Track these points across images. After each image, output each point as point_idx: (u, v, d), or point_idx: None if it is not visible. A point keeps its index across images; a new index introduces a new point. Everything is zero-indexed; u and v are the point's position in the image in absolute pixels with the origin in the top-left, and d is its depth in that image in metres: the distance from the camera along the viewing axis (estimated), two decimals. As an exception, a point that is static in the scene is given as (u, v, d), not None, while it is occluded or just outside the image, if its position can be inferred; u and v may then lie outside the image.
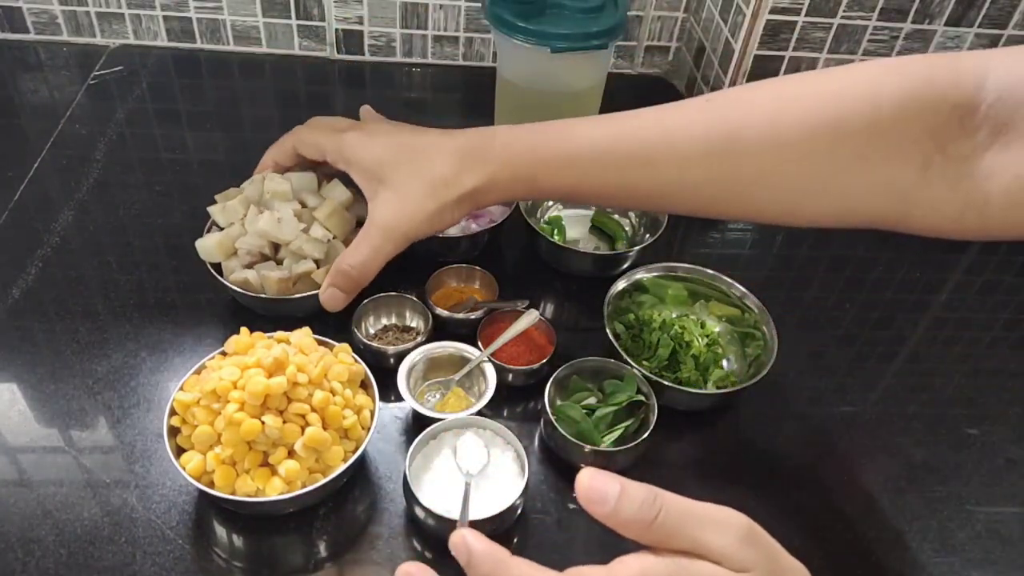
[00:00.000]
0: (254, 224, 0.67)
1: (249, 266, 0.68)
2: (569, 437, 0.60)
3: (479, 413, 0.63)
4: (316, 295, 0.67)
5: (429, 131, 0.63)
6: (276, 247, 0.69)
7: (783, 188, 0.51)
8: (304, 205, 0.70)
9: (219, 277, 0.68)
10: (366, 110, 0.73)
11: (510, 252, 0.82)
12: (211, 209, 0.70)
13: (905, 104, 0.47)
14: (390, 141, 0.63)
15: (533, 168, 0.59)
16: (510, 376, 0.67)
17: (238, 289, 0.66)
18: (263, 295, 0.67)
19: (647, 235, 0.80)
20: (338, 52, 1.08)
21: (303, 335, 0.61)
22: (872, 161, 0.48)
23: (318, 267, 0.68)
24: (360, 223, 0.73)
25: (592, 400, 0.66)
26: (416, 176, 0.60)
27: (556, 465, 0.63)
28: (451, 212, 0.62)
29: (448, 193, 0.61)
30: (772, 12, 0.86)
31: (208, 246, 0.68)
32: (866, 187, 0.49)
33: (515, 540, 0.58)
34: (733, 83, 0.93)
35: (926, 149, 0.47)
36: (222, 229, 0.69)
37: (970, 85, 0.46)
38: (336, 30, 1.05)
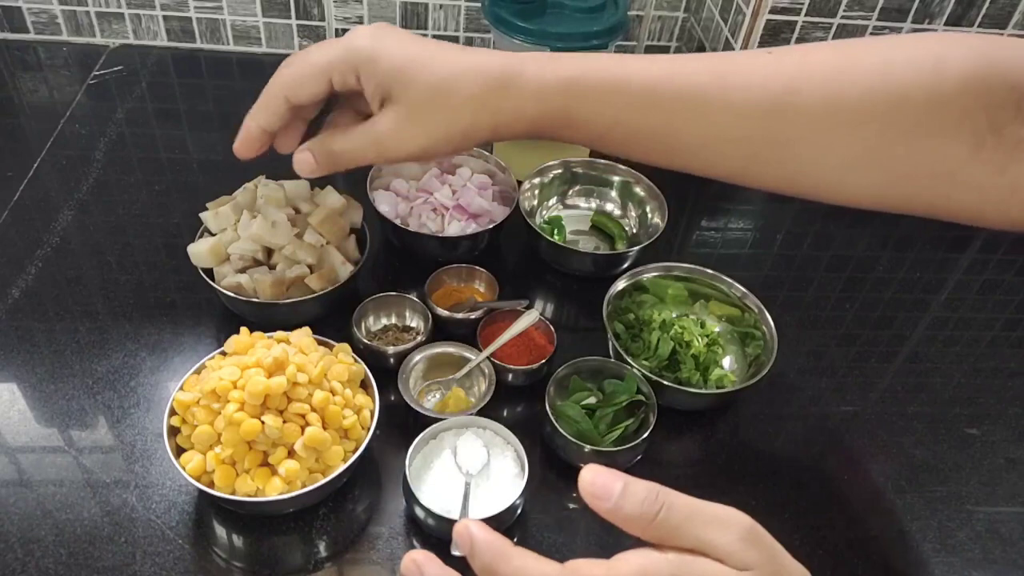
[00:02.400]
0: (247, 229, 0.67)
1: (242, 271, 0.68)
2: (569, 437, 0.60)
3: (479, 413, 0.63)
4: (309, 300, 0.67)
5: (450, 47, 0.54)
6: (269, 253, 0.69)
7: (832, 153, 0.49)
8: (297, 211, 0.70)
9: (211, 283, 0.68)
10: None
11: (510, 252, 0.82)
12: (203, 215, 0.70)
13: (967, 79, 0.46)
14: (407, 50, 0.53)
15: (567, 101, 0.51)
16: (510, 376, 0.67)
17: (230, 294, 0.66)
18: (255, 299, 0.66)
19: (647, 235, 0.80)
20: (338, 52, 1.07)
21: (303, 335, 0.61)
22: (927, 134, 0.47)
23: (311, 272, 0.68)
24: (353, 229, 0.73)
25: (592, 400, 0.66)
26: (430, 100, 0.52)
27: (556, 465, 0.63)
28: (459, 142, 0.55)
29: (461, 124, 0.53)
30: (772, 12, 0.86)
31: (200, 252, 0.67)
32: (916, 161, 0.48)
33: (515, 540, 0.58)
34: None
35: (980, 128, 0.46)
36: (214, 235, 0.69)
37: None
38: (336, 30, 1.05)
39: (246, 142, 0.59)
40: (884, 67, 0.47)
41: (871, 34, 0.89)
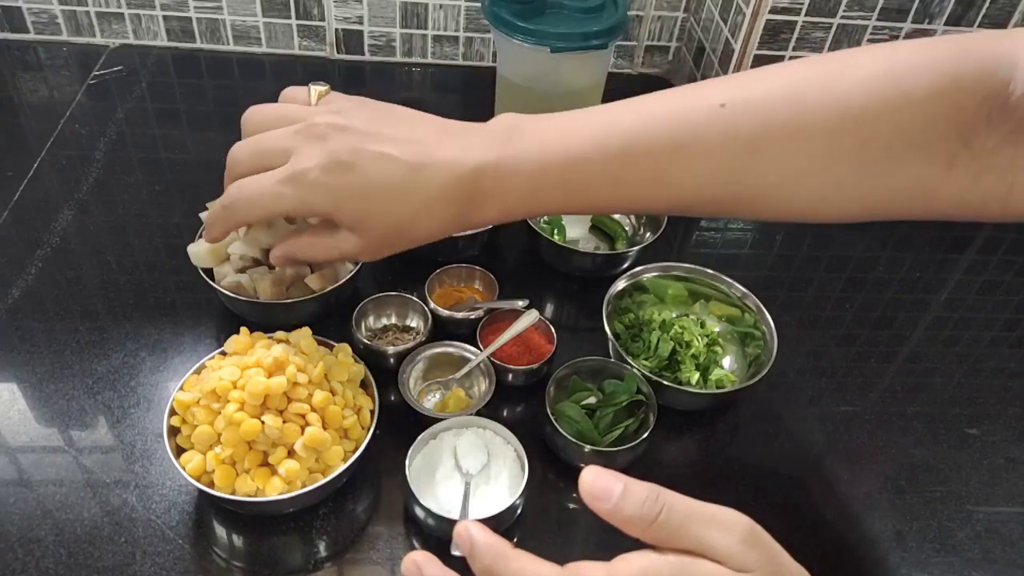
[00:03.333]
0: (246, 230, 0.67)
1: (242, 271, 0.68)
2: (569, 437, 0.60)
3: (479, 413, 0.63)
4: (309, 300, 0.67)
5: (408, 176, 0.51)
6: (269, 253, 0.69)
7: (806, 191, 0.49)
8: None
9: (211, 283, 0.68)
10: (329, 96, 0.58)
11: (510, 252, 0.82)
12: (203, 215, 0.70)
13: (934, 103, 0.45)
14: (362, 202, 0.52)
15: (530, 204, 0.53)
16: (510, 376, 0.67)
17: (230, 294, 0.66)
18: (255, 299, 0.66)
19: (647, 235, 0.80)
20: (338, 52, 1.08)
21: (303, 335, 0.61)
22: (898, 160, 0.47)
23: (311, 272, 0.68)
24: None
25: (592, 400, 0.66)
26: (392, 236, 0.54)
27: (556, 465, 0.63)
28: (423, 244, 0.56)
29: (424, 241, 0.55)
30: (772, 12, 0.86)
31: (200, 252, 0.67)
32: (889, 186, 0.48)
33: (515, 540, 0.58)
34: (733, 83, 0.93)
35: (952, 147, 0.46)
36: None
37: (1000, 76, 0.45)
38: (336, 30, 1.05)
39: (214, 241, 0.61)
40: (845, 106, 0.47)
41: (871, 35, 0.89)
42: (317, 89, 0.58)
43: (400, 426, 0.65)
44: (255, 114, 0.57)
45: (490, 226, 0.56)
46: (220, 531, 0.57)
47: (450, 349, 0.68)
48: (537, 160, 0.51)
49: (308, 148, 0.52)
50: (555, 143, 0.51)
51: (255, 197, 0.53)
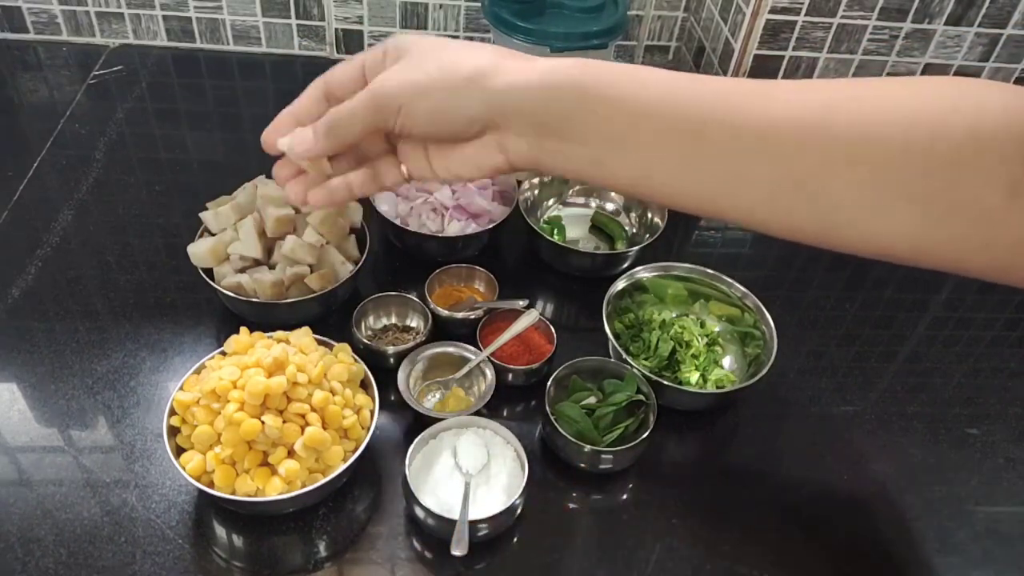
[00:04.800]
0: (246, 229, 0.67)
1: (242, 271, 0.68)
2: (569, 437, 0.60)
3: (479, 413, 0.63)
4: (309, 300, 0.67)
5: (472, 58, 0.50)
6: (269, 252, 0.69)
7: (865, 193, 0.46)
8: (297, 210, 0.70)
9: (211, 283, 0.68)
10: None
11: (510, 252, 0.82)
12: (203, 215, 0.70)
13: (1008, 124, 0.43)
14: (432, 42, 0.52)
15: (581, 69, 0.48)
16: (510, 376, 0.67)
17: (230, 294, 0.66)
18: (255, 299, 0.66)
19: (647, 235, 0.80)
20: (338, 52, 1.08)
21: (303, 335, 0.61)
22: (963, 171, 0.44)
23: (311, 272, 0.68)
24: (353, 229, 0.73)
25: (592, 400, 0.66)
26: (433, 51, 0.51)
27: (556, 465, 0.63)
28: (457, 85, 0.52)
29: (461, 73, 0.50)
30: (772, 12, 0.86)
31: (200, 252, 0.67)
32: (951, 199, 0.45)
33: (515, 540, 0.58)
34: (733, 83, 0.93)
35: (1017, 176, 0.43)
36: (214, 235, 0.69)
37: None
38: (336, 30, 1.05)
39: (277, 128, 0.58)
40: (920, 103, 0.45)
41: (871, 34, 0.89)
42: None
43: (400, 426, 0.65)
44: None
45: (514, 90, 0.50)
46: (220, 531, 0.57)
47: (450, 349, 0.68)
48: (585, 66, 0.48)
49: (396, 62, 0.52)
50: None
51: (348, 106, 0.52)
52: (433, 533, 0.57)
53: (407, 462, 0.58)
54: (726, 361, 0.71)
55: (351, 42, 1.06)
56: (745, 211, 0.49)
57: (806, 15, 0.87)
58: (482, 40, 1.06)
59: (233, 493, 0.54)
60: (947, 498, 0.64)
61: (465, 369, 0.67)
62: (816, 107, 0.45)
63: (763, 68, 0.91)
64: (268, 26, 1.04)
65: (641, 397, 0.64)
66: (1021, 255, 0.45)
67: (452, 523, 0.54)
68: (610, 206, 0.86)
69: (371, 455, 0.62)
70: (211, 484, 0.54)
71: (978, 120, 0.44)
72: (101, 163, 0.87)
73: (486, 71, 0.49)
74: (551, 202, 0.86)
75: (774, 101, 0.46)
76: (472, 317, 0.70)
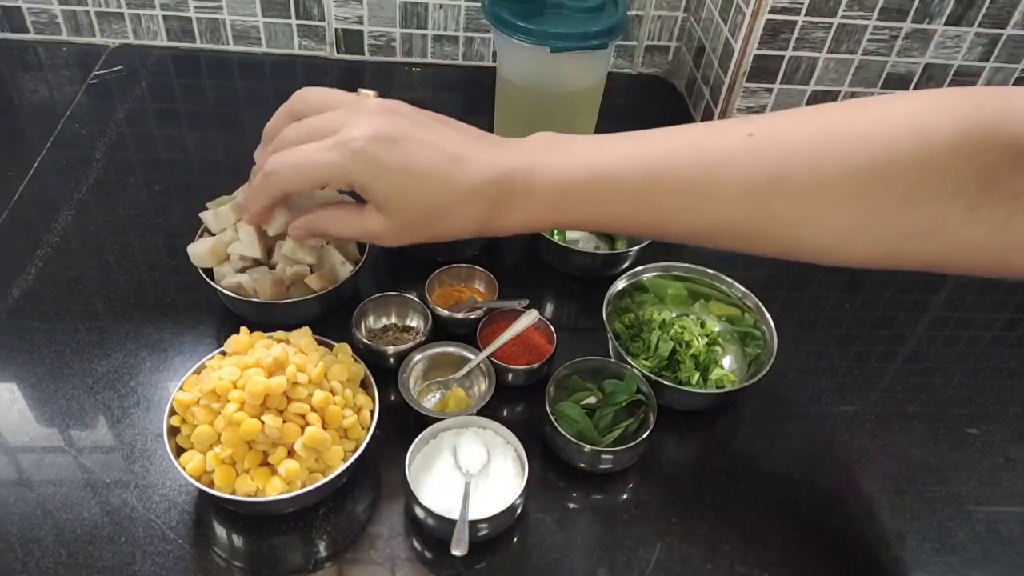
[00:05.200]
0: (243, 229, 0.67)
1: (242, 271, 0.68)
2: (569, 437, 0.60)
3: (479, 413, 0.63)
4: (309, 300, 0.67)
5: (442, 159, 0.52)
6: (269, 252, 0.69)
7: (826, 229, 0.50)
8: None
9: (211, 283, 0.68)
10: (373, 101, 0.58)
11: (510, 252, 0.82)
12: (203, 215, 0.70)
13: (955, 145, 0.45)
14: (401, 177, 0.52)
15: (555, 211, 0.54)
16: (510, 376, 0.67)
17: (230, 294, 0.66)
18: (255, 299, 0.66)
19: (647, 235, 0.80)
20: (338, 52, 1.08)
21: (303, 335, 0.61)
22: (919, 201, 0.46)
23: (311, 272, 0.68)
24: None
25: (592, 400, 0.66)
26: (422, 220, 0.54)
27: (556, 465, 0.63)
28: (445, 239, 0.57)
29: (450, 234, 0.55)
30: (772, 12, 0.86)
31: (200, 252, 0.67)
32: (910, 227, 0.47)
33: (515, 540, 0.58)
34: (733, 83, 0.93)
35: (972, 190, 0.46)
36: (214, 235, 0.69)
37: (1021, 122, 0.45)
38: (336, 30, 1.05)
39: (257, 219, 0.61)
40: (867, 143, 0.47)
41: (871, 34, 0.89)
42: (366, 93, 0.59)
43: (400, 426, 0.65)
44: (308, 93, 0.57)
45: (510, 234, 0.55)
46: (220, 531, 0.57)
47: (450, 349, 0.68)
48: (566, 169, 0.52)
49: (357, 121, 0.52)
50: (585, 155, 0.53)
51: (298, 162, 0.53)
52: (433, 533, 0.57)
53: (407, 462, 0.58)
54: (726, 361, 0.71)
55: (351, 42, 1.06)
56: (717, 247, 0.54)
57: (806, 15, 0.87)
58: (482, 40, 1.07)
59: (233, 493, 0.54)
60: (947, 498, 0.64)
61: (465, 369, 0.67)
62: (771, 162, 0.49)
63: (763, 68, 0.91)
64: (268, 26, 1.04)
65: (641, 397, 0.64)
66: (984, 251, 0.47)
67: (452, 523, 0.54)
68: (610, 206, 0.86)
69: (371, 455, 0.62)
70: (211, 484, 0.54)
71: (926, 151, 0.45)
72: (101, 163, 0.87)
73: (480, 227, 0.54)
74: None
75: (722, 168, 0.50)
76: (472, 317, 0.70)
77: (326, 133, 0.53)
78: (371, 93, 0.59)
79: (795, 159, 0.48)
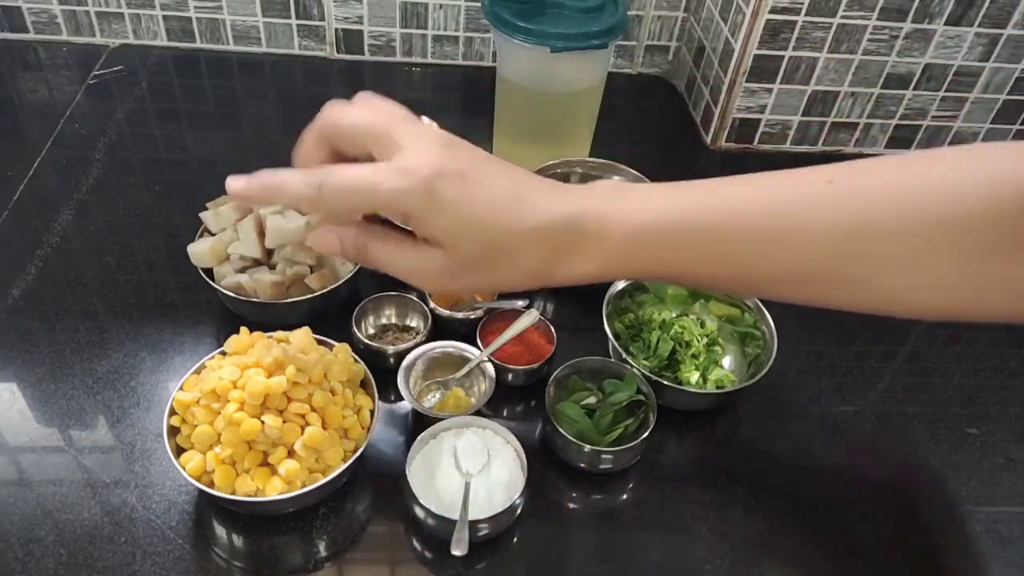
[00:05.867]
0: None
1: (242, 271, 0.68)
2: (569, 437, 0.60)
3: (479, 413, 0.63)
4: (309, 300, 0.67)
5: (510, 195, 0.48)
6: (269, 253, 0.69)
7: (906, 279, 0.48)
8: (298, 211, 0.70)
9: (211, 283, 0.68)
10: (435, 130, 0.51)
11: (510, 252, 0.82)
12: (203, 215, 0.70)
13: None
14: (461, 210, 0.47)
15: (631, 259, 0.50)
16: (510, 376, 0.67)
17: (230, 294, 0.66)
18: (255, 299, 0.66)
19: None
20: (338, 52, 1.08)
21: (303, 335, 0.61)
22: (1002, 255, 0.46)
23: (311, 272, 0.68)
24: None
25: (592, 400, 0.66)
26: (481, 260, 0.48)
27: (556, 465, 0.63)
28: (504, 290, 0.56)
29: (511, 283, 0.51)
30: (772, 12, 0.86)
31: (200, 252, 0.67)
32: (991, 280, 0.47)
33: (515, 540, 0.58)
34: (733, 83, 0.93)
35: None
36: (214, 235, 0.69)
37: None
38: (336, 30, 1.05)
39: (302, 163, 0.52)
40: (954, 190, 0.46)
41: (871, 34, 0.89)
42: (428, 122, 0.54)
43: (400, 426, 0.65)
44: (341, 116, 0.49)
45: (571, 284, 0.51)
46: (220, 531, 0.57)
47: (450, 349, 0.68)
48: (644, 213, 0.49)
49: (419, 147, 0.47)
50: (662, 200, 0.50)
51: (355, 182, 0.47)
52: (433, 533, 0.57)
53: (407, 462, 0.58)
54: (726, 361, 0.71)
55: (351, 42, 1.06)
56: (792, 300, 0.53)
57: (806, 15, 0.87)
58: (482, 40, 1.06)
59: (233, 493, 0.54)
60: (947, 498, 0.64)
61: (465, 369, 0.67)
62: (856, 211, 0.47)
63: (763, 68, 0.91)
64: (268, 26, 1.04)
65: (641, 397, 0.64)
66: None
67: (452, 523, 0.54)
68: (610, 206, 0.86)
69: (371, 455, 0.62)
70: (211, 484, 0.54)
71: (1013, 203, 0.44)
72: (101, 163, 0.87)
73: (543, 274, 0.49)
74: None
75: (806, 216, 0.48)
76: (472, 317, 0.70)
77: (381, 144, 0.47)
78: (432, 124, 0.53)
79: (881, 205, 0.47)
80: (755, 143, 1.00)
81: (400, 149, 0.46)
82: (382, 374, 0.63)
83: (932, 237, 0.46)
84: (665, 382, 0.65)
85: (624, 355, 0.67)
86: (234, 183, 0.49)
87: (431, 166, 0.46)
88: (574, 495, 0.62)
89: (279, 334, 0.61)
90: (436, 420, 0.61)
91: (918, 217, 0.46)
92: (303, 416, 0.55)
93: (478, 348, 0.67)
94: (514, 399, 0.68)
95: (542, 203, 0.49)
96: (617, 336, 0.70)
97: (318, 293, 0.67)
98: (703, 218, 0.49)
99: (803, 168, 0.50)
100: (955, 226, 0.46)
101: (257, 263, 0.69)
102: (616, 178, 0.85)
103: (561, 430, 0.61)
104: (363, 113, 0.49)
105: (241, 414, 0.53)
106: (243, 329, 0.60)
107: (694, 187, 0.51)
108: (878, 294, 0.50)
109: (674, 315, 0.73)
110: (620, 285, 0.73)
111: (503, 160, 0.51)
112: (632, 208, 0.49)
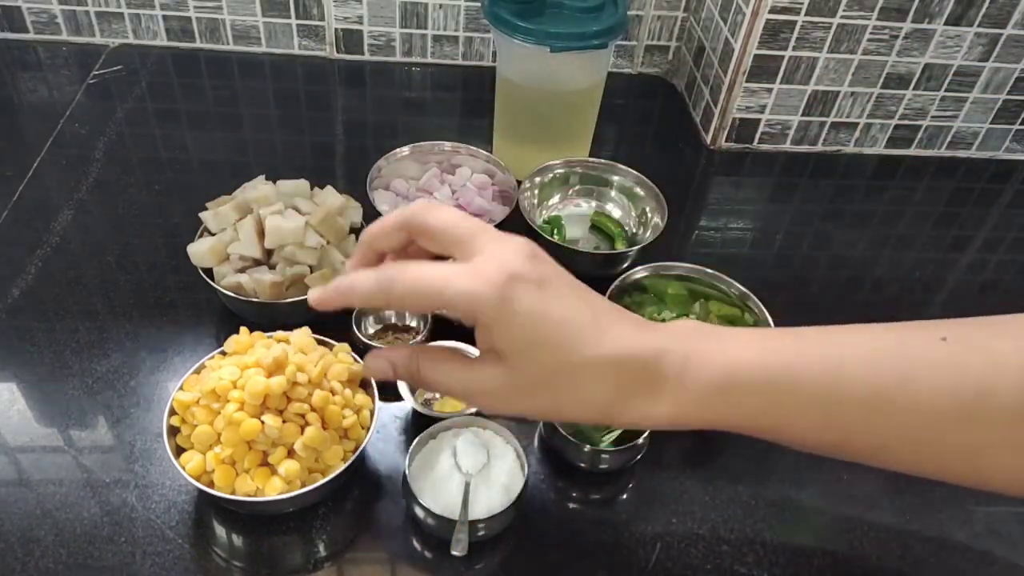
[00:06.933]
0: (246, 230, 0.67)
1: (242, 271, 0.68)
2: (568, 437, 0.60)
3: (479, 413, 0.63)
4: (307, 300, 0.67)
5: (587, 320, 0.45)
6: (269, 253, 0.69)
7: (1006, 460, 0.43)
8: (298, 211, 0.70)
9: (211, 282, 0.68)
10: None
11: (510, 252, 0.82)
12: (203, 215, 0.70)
13: None
14: (537, 325, 0.44)
15: (715, 408, 0.45)
16: (510, 376, 0.67)
17: (230, 294, 0.66)
18: (255, 299, 0.66)
19: (647, 235, 0.80)
20: (338, 52, 1.08)
21: (303, 335, 0.61)
22: None
23: (311, 272, 0.68)
24: (353, 229, 0.73)
25: (592, 400, 0.66)
26: (549, 383, 0.45)
27: (556, 465, 0.63)
28: (566, 421, 0.52)
29: (576, 414, 0.47)
30: (772, 11, 0.86)
31: (200, 252, 0.67)
32: None
33: (515, 540, 0.58)
34: (733, 83, 0.93)
35: None
36: (214, 235, 0.69)
37: None
38: (336, 30, 1.05)
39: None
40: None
41: (871, 34, 0.89)
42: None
43: (400, 426, 0.65)
44: (430, 216, 0.46)
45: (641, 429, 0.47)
46: (220, 531, 0.57)
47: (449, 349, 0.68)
48: (734, 361, 0.44)
49: (499, 252, 0.44)
50: (754, 348, 0.45)
51: (424, 280, 0.44)
52: (433, 533, 0.57)
53: (407, 462, 0.58)
54: (726, 361, 0.71)
55: (351, 42, 1.06)
56: (900, 468, 0.47)
57: (806, 15, 0.87)
58: (482, 40, 1.06)
59: (233, 493, 0.54)
60: (947, 498, 0.64)
61: (465, 369, 0.67)
62: (976, 376, 0.43)
63: (763, 68, 0.91)
64: (268, 26, 1.04)
65: (641, 397, 0.64)
66: None
67: (452, 523, 0.54)
68: (610, 206, 0.86)
69: (371, 455, 0.62)
70: (211, 484, 0.54)
71: None
72: (101, 163, 0.87)
73: (611, 409, 0.45)
74: (551, 202, 0.86)
75: (921, 376, 0.43)
76: (472, 317, 0.70)
77: (456, 243, 0.46)
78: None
79: (1002, 373, 0.42)
80: (755, 143, 1.00)
81: (480, 253, 0.44)
82: (382, 374, 0.63)
83: None
84: (665, 382, 0.65)
85: (624, 355, 0.66)
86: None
87: (507, 271, 0.43)
88: (574, 495, 0.62)
89: (279, 334, 0.61)
90: (436, 420, 0.61)
91: None
92: (303, 416, 0.55)
93: (478, 348, 0.67)
94: (514, 399, 0.68)
95: (620, 334, 0.45)
96: (617, 336, 0.69)
97: (318, 293, 0.67)
98: (805, 373, 0.44)
99: (910, 323, 0.46)
100: None
101: (257, 263, 0.69)
102: (616, 179, 0.85)
103: (561, 430, 0.61)
104: (453, 214, 0.46)
105: (241, 414, 0.53)
106: (243, 329, 0.60)
107: (791, 335, 0.46)
108: (990, 473, 0.44)
109: (674, 315, 0.73)
110: (620, 285, 0.72)
111: (586, 286, 0.48)
112: (722, 354, 0.45)
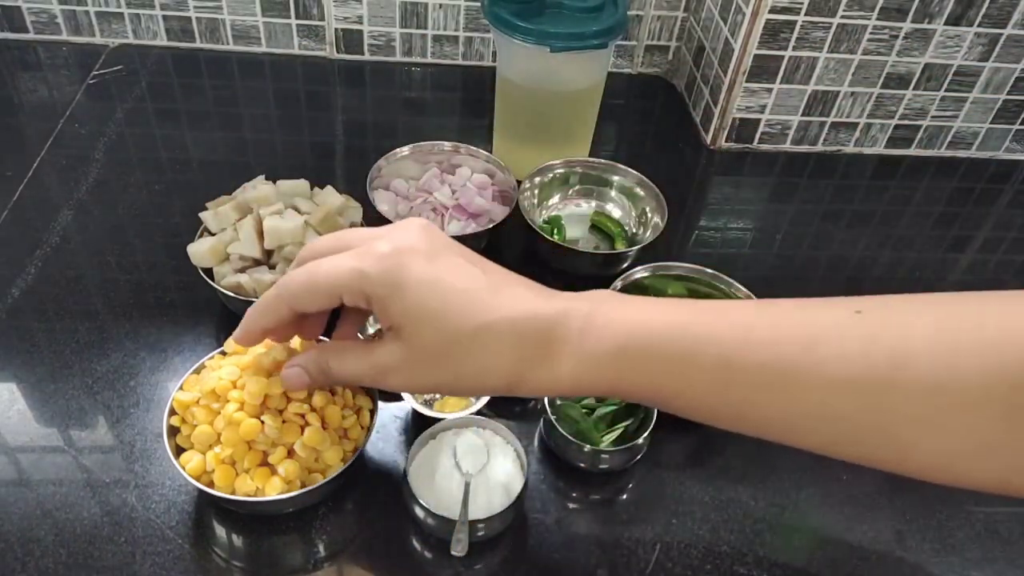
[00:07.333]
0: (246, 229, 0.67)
1: (242, 271, 0.68)
2: (569, 437, 0.60)
3: (479, 413, 0.63)
4: None
5: (482, 285, 0.45)
6: (269, 253, 0.69)
7: (943, 438, 0.41)
8: (298, 211, 0.70)
9: (211, 282, 0.68)
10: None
11: (510, 252, 0.82)
12: (203, 215, 0.70)
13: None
14: (427, 291, 0.44)
15: (618, 371, 0.44)
16: (510, 376, 0.67)
17: (230, 294, 0.66)
18: (255, 299, 0.66)
19: (647, 235, 0.80)
20: (338, 52, 1.08)
21: (303, 335, 0.61)
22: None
23: None
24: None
25: (592, 400, 0.66)
26: (446, 352, 0.44)
27: (556, 465, 0.63)
28: (469, 393, 0.53)
29: (477, 382, 0.47)
30: (772, 11, 0.86)
31: (200, 252, 0.67)
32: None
33: (515, 540, 0.58)
34: (733, 83, 0.93)
35: None
36: (214, 235, 0.69)
37: None
38: (336, 29, 1.05)
39: (247, 337, 0.51)
40: (1000, 342, 0.40)
41: (871, 34, 0.89)
42: None
43: (400, 426, 0.65)
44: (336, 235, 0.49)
45: (547, 395, 0.47)
46: (220, 531, 0.57)
47: (450, 349, 0.68)
48: (637, 320, 0.44)
49: (393, 234, 0.45)
50: (661, 309, 0.45)
51: (313, 271, 0.45)
52: (433, 533, 0.57)
53: (407, 462, 0.58)
54: (726, 361, 0.71)
55: (351, 42, 1.06)
56: (808, 446, 0.46)
57: (806, 15, 0.87)
58: (482, 40, 1.06)
59: (233, 493, 0.54)
60: (947, 498, 0.64)
61: (465, 369, 0.67)
62: (888, 346, 0.41)
63: (763, 68, 0.91)
64: (268, 26, 1.04)
65: (641, 397, 0.64)
66: None
67: (452, 523, 0.54)
68: (610, 206, 0.86)
69: (371, 455, 0.62)
70: (211, 484, 0.54)
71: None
72: (101, 163, 0.87)
73: (513, 377, 0.45)
74: (551, 202, 0.86)
75: (829, 345, 0.41)
76: (472, 317, 0.70)
77: (354, 245, 0.46)
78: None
79: (915, 346, 0.40)
80: (755, 143, 1.00)
81: (375, 238, 0.45)
82: (382, 374, 0.63)
83: (971, 393, 0.40)
84: (665, 382, 0.65)
85: (624, 355, 0.66)
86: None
87: (394, 245, 0.43)
88: (574, 495, 0.62)
89: (279, 334, 0.61)
90: (436, 420, 0.61)
91: (956, 369, 0.40)
92: (303, 416, 0.55)
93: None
94: (514, 399, 0.68)
95: (518, 296, 0.45)
96: (617, 336, 0.69)
97: (318, 293, 0.67)
98: (711, 335, 0.43)
99: (823, 298, 0.44)
100: (1001, 383, 0.39)
101: (257, 263, 0.69)
102: (616, 179, 0.85)
103: (561, 430, 0.61)
104: (330, 244, 0.47)
105: (241, 414, 0.53)
106: (243, 329, 0.60)
107: (699, 303, 0.46)
108: (904, 453, 0.43)
109: (674, 315, 0.73)
110: (620, 285, 0.72)
111: (484, 258, 0.48)
112: (627, 314, 0.44)
